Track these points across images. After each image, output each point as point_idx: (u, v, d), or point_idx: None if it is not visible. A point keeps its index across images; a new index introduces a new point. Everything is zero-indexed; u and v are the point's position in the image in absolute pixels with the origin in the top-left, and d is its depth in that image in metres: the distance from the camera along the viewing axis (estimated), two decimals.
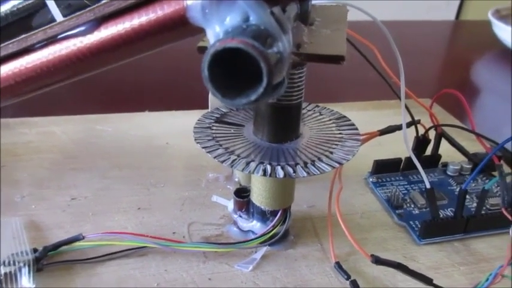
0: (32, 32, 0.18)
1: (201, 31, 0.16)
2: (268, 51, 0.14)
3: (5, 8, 0.23)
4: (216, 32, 0.15)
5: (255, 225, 0.27)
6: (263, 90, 0.14)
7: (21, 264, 0.23)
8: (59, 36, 0.18)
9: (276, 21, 0.15)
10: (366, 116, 0.42)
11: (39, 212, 0.28)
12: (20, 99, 0.20)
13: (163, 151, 0.35)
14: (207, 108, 0.29)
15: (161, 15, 0.16)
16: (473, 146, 0.34)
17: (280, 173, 0.22)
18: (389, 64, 0.29)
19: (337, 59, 0.19)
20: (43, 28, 0.17)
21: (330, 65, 0.20)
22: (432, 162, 0.34)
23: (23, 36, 0.18)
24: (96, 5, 0.16)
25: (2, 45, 0.18)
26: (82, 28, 0.17)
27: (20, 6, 0.22)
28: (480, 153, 0.33)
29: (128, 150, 0.35)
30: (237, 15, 0.14)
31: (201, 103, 0.31)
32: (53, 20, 0.20)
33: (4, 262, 0.23)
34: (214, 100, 0.29)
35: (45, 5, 0.21)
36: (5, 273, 0.23)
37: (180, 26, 0.16)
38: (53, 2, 0.21)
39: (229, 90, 0.15)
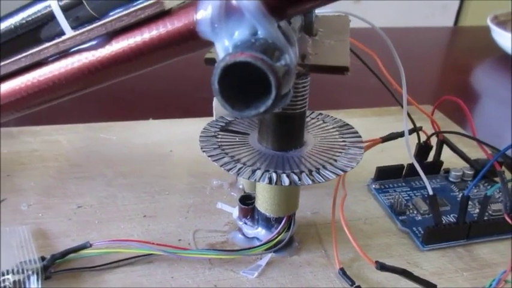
0: (44, 46, 0.18)
1: (210, 44, 0.16)
2: (276, 64, 0.14)
3: (14, 20, 0.23)
4: (225, 45, 0.15)
5: (260, 232, 0.27)
6: (272, 102, 0.14)
7: (30, 272, 0.23)
8: (71, 50, 0.18)
9: (283, 34, 0.15)
10: (367, 122, 0.42)
11: (46, 220, 0.29)
12: (32, 111, 0.20)
13: (167, 159, 0.36)
14: (211, 116, 0.29)
15: (171, 30, 0.16)
16: (475, 152, 0.34)
17: (286, 181, 0.22)
18: (390, 71, 0.30)
19: (341, 70, 0.19)
20: (55, 42, 0.18)
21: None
22: (434, 168, 0.34)
23: (35, 50, 0.18)
24: (108, 19, 0.17)
25: (14, 58, 0.19)
26: (93, 42, 0.17)
27: (29, 18, 0.23)
28: (482, 159, 0.34)
29: (132, 158, 0.36)
30: (245, 30, 0.15)
31: (204, 111, 0.31)
32: (61, 32, 0.21)
33: (13, 270, 0.23)
34: (218, 108, 0.29)
35: (53, 18, 0.22)
36: (14, 281, 0.23)
37: (190, 39, 0.16)
38: (62, 15, 0.21)
39: (239, 101, 0.15)
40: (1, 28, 0.23)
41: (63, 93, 0.19)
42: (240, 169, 0.23)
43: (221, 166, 0.23)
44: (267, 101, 0.14)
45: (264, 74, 0.14)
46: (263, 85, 0.15)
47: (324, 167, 0.24)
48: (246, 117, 0.21)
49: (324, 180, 0.23)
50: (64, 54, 0.18)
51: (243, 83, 0.15)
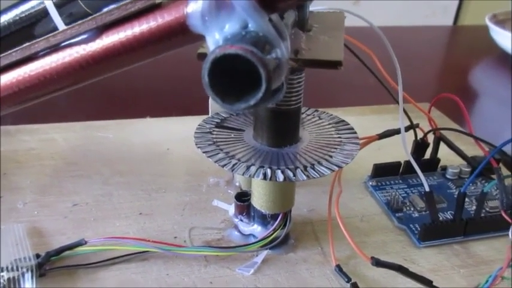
0: (35, 40, 0.18)
1: (201, 38, 0.16)
2: (267, 57, 0.14)
3: (8, 17, 0.23)
4: (215, 39, 0.15)
5: (256, 229, 0.27)
6: (262, 95, 0.14)
7: (24, 270, 0.23)
8: (62, 44, 0.18)
9: (274, 28, 0.15)
10: (364, 120, 0.42)
11: (42, 218, 0.29)
12: (23, 106, 0.20)
13: (164, 157, 0.36)
14: (207, 114, 0.29)
15: (161, 24, 0.16)
16: (472, 150, 0.34)
17: (280, 177, 0.22)
18: (388, 69, 0.29)
19: (334, 65, 0.19)
20: (46, 36, 0.18)
21: (328, 70, 0.20)
22: (431, 165, 0.34)
23: (27, 44, 0.18)
24: (98, 13, 0.17)
25: (5, 53, 0.18)
26: (84, 36, 0.17)
27: (23, 15, 0.23)
28: (479, 156, 0.33)
29: (129, 156, 0.36)
30: (236, 23, 0.15)
31: (201, 109, 0.31)
32: (55, 28, 0.21)
33: (7, 268, 0.23)
34: (214, 105, 0.29)
35: (47, 14, 0.22)
36: (8, 279, 0.23)
37: (180, 33, 0.16)
38: (56, 11, 0.21)
39: (229, 95, 0.15)
40: None
41: (55, 88, 0.19)
42: (234, 165, 0.23)
43: (216, 162, 0.23)
44: (257, 94, 0.14)
45: (254, 66, 0.14)
46: (254, 79, 0.15)
47: (319, 163, 0.23)
48: (237, 111, 0.21)
49: (318, 176, 0.22)
50: (55, 48, 0.18)
51: (235, 77, 0.15)
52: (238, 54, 0.14)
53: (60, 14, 0.21)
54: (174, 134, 0.38)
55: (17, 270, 0.23)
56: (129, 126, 0.40)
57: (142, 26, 0.16)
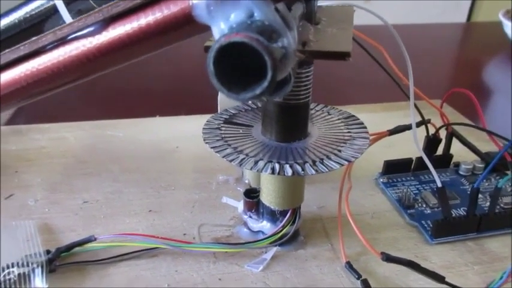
0: (42, 34, 0.18)
1: (207, 29, 0.16)
2: (273, 45, 0.14)
3: (19, 14, 0.23)
4: (221, 28, 0.15)
5: (265, 226, 0.27)
6: (268, 84, 0.14)
7: (35, 266, 0.24)
8: (69, 37, 0.18)
9: (281, 17, 0.15)
10: (375, 117, 0.42)
11: (52, 215, 0.29)
12: (32, 100, 0.21)
13: (173, 155, 0.36)
14: (216, 112, 0.29)
15: (167, 14, 0.16)
16: (486, 146, 0.33)
17: (289, 171, 0.22)
18: (400, 67, 0.29)
19: (342, 56, 0.19)
20: (53, 30, 0.18)
21: (339, 67, 0.20)
22: (444, 161, 0.34)
23: (34, 38, 0.18)
24: (104, 5, 0.17)
25: (14, 47, 0.19)
26: (91, 29, 0.17)
27: (33, 12, 0.23)
28: (493, 152, 0.33)
29: (139, 154, 0.36)
30: (241, 12, 0.15)
31: (210, 108, 0.31)
32: None
33: (18, 263, 0.23)
34: (223, 103, 0.29)
35: (56, 11, 0.22)
36: (19, 274, 0.23)
37: (186, 24, 0.16)
38: (65, 8, 0.21)
39: (235, 85, 0.15)
40: (6, 23, 0.23)
41: (63, 82, 0.19)
42: (242, 160, 0.23)
43: (223, 157, 0.23)
44: (263, 83, 0.14)
45: (259, 55, 0.14)
46: (261, 68, 0.14)
47: (328, 157, 0.23)
48: (243, 101, 0.20)
49: (327, 170, 0.22)
50: (62, 42, 0.18)
51: (242, 70, 0.15)
52: (244, 42, 0.14)
53: (69, 11, 0.21)
54: (183, 132, 0.38)
55: (28, 266, 0.24)
56: (139, 125, 0.40)
57: (148, 18, 0.16)
